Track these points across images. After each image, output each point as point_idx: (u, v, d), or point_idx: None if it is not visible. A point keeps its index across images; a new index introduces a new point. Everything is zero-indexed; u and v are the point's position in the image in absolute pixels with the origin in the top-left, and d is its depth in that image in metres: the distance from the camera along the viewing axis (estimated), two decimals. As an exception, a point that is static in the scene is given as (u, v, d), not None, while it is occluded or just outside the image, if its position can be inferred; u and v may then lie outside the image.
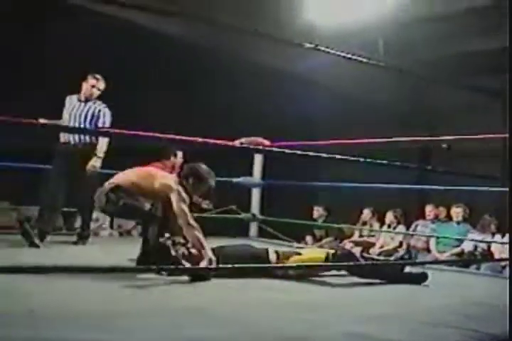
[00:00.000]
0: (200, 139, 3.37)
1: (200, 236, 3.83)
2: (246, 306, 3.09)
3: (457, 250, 7.07)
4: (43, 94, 6.69)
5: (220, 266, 3.77)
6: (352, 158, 2.57)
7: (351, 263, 3.99)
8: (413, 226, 8.31)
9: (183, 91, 9.01)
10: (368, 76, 6.96)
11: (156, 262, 3.71)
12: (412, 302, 3.56)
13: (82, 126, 5.50)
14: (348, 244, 8.74)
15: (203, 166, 4.29)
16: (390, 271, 4.13)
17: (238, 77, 8.65)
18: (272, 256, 4.09)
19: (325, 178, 7.31)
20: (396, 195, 7.26)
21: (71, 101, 5.62)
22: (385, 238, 8.68)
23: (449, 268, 5.28)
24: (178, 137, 2.84)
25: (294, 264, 4.00)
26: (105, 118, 5.56)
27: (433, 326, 2.75)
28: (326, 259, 4.01)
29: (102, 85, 5.60)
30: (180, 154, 6.06)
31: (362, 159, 2.59)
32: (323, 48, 2.81)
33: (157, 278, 3.62)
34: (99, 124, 5.52)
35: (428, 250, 7.54)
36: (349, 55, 2.88)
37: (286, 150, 2.74)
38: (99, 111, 5.55)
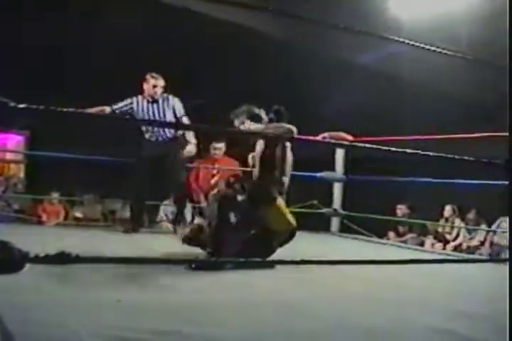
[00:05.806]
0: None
1: None
2: (326, 299, 3.02)
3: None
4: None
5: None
6: (433, 154, 2.51)
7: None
8: (497, 222, 8.12)
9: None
10: (453, 69, 6.82)
11: None
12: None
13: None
14: (430, 240, 8.66)
15: None
16: None
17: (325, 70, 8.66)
18: None
19: (410, 175, 7.19)
20: (480, 191, 7.07)
21: (138, 102, 5.72)
22: (465, 235, 8.62)
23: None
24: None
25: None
26: (176, 107, 5.69)
27: None
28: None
29: (161, 83, 5.68)
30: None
31: (443, 154, 2.53)
32: (407, 41, 2.76)
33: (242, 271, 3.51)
34: (178, 115, 5.68)
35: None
36: (434, 48, 2.82)
37: (370, 145, 2.71)
38: (169, 104, 5.68)
